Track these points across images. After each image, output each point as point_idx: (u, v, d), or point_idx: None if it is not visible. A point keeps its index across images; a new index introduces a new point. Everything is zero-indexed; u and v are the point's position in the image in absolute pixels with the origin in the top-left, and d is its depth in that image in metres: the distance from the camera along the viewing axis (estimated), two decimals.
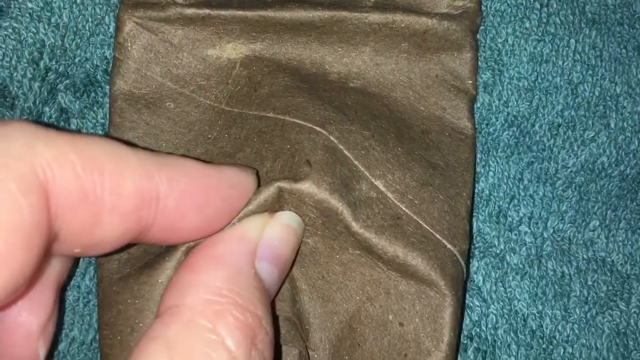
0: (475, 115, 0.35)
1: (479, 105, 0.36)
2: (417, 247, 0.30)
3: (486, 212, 0.35)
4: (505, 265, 0.35)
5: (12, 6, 0.35)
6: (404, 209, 0.31)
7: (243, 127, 0.32)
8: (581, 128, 0.36)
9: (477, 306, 0.35)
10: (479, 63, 0.36)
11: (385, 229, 0.30)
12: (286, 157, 0.30)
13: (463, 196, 0.32)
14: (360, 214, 0.29)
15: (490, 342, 0.35)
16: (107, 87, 0.35)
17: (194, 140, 0.33)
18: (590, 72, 0.36)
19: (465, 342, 0.35)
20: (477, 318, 0.35)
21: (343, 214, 0.29)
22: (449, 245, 0.31)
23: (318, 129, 0.31)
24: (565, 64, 0.36)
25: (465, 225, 0.32)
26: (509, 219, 0.35)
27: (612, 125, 0.36)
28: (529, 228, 0.35)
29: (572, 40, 0.36)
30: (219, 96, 0.33)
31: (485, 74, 0.36)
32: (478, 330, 0.35)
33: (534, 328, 0.35)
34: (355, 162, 0.30)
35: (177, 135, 0.33)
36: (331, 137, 0.30)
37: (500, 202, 0.36)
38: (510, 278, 0.35)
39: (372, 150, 0.31)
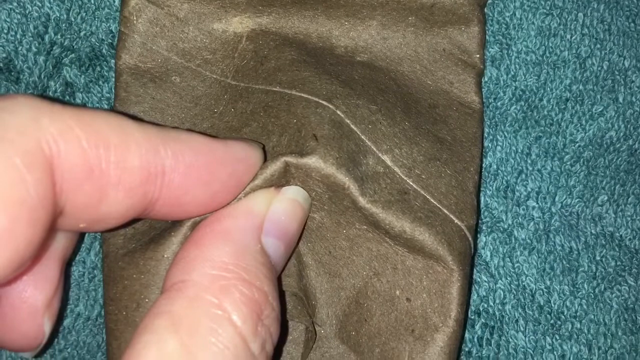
0: (483, 90, 0.35)
1: (486, 79, 0.36)
2: (425, 222, 0.30)
3: (494, 187, 0.35)
4: (513, 241, 0.35)
5: None
6: (411, 183, 0.30)
7: (249, 102, 0.32)
8: (589, 102, 0.36)
9: (485, 281, 0.35)
10: (487, 37, 0.36)
11: (393, 204, 0.29)
12: (292, 131, 0.30)
13: (471, 171, 0.32)
14: (367, 188, 0.29)
15: (497, 318, 0.35)
16: (113, 61, 0.35)
17: (200, 114, 0.33)
18: (598, 46, 0.36)
19: (472, 317, 0.35)
20: (484, 293, 0.35)
21: (350, 189, 0.29)
22: (456, 220, 0.30)
23: (325, 103, 0.30)
24: (574, 37, 0.36)
25: (473, 200, 0.32)
26: (517, 193, 0.35)
27: (621, 100, 0.36)
28: (537, 203, 0.35)
29: (580, 14, 0.36)
30: (225, 70, 0.33)
31: (492, 48, 0.36)
32: (486, 305, 0.35)
33: (542, 303, 0.35)
34: (362, 137, 0.30)
35: (183, 109, 0.33)
36: (338, 112, 0.30)
37: (508, 177, 0.35)
38: (518, 253, 0.35)
39: (379, 124, 0.31)
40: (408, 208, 0.30)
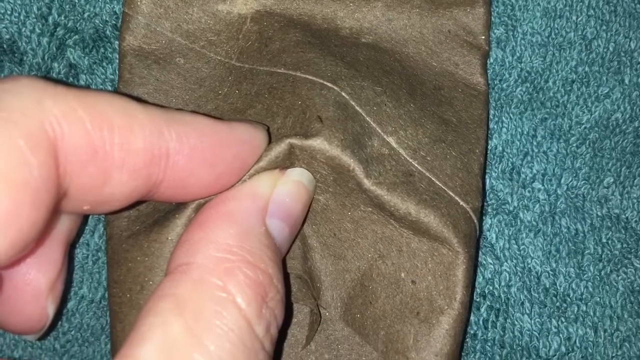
0: (488, 71, 0.35)
1: (491, 61, 0.36)
2: (430, 204, 0.29)
3: (499, 169, 0.35)
4: (519, 223, 0.35)
5: None
6: (416, 165, 0.30)
7: (254, 83, 0.32)
8: (595, 84, 0.36)
9: (490, 264, 0.35)
10: (492, 18, 0.36)
11: (397, 186, 0.29)
12: (297, 113, 0.30)
13: (476, 153, 0.32)
14: (372, 170, 0.29)
15: (503, 300, 0.35)
16: (117, 42, 0.35)
17: (204, 96, 0.33)
18: (604, 27, 0.36)
19: (478, 300, 0.35)
20: (490, 276, 0.35)
21: (355, 171, 0.29)
22: (461, 202, 0.30)
23: (329, 85, 0.30)
24: (579, 19, 0.36)
25: (478, 182, 0.31)
26: (523, 175, 0.35)
27: (627, 81, 0.36)
28: (543, 185, 0.35)
29: None
30: (229, 52, 0.33)
31: (498, 29, 0.36)
32: (491, 288, 0.35)
33: (548, 286, 0.35)
34: (367, 119, 0.30)
35: (187, 91, 0.33)
36: (343, 93, 0.30)
37: (514, 159, 0.35)
38: (524, 235, 0.35)
39: (384, 106, 0.31)
40: (413, 190, 0.30)
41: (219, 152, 0.27)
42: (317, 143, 0.29)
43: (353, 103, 0.30)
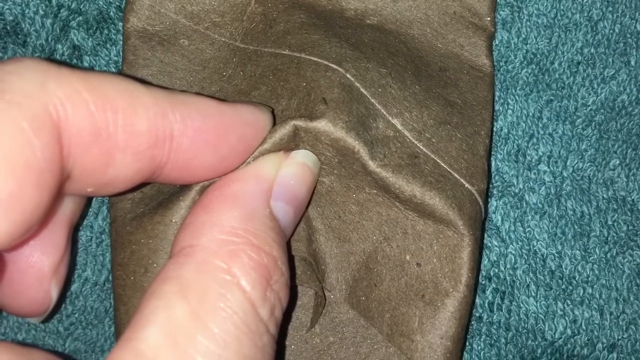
0: (494, 53, 0.35)
1: (497, 42, 0.36)
2: (435, 187, 0.29)
3: (505, 151, 0.35)
4: (524, 205, 0.35)
5: None
6: (421, 147, 0.30)
7: (258, 65, 0.32)
8: (601, 65, 0.35)
9: (496, 246, 0.35)
10: (498, 0, 0.35)
11: (403, 168, 0.29)
12: (302, 95, 0.30)
13: (481, 134, 0.32)
14: (377, 152, 0.29)
15: (508, 283, 0.35)
16: (120, 24, 0.35)
17: (209, 77, 0.33)
18: (610, 8, 0.36)
19: (483, 282, 0.35)
20: (495, 258, 0.35)
21: (360, 153, 0.29)
22: (467, 185, 0.30)
23: (334, 66, 0.30)
24: (585, 0, 0.36)
25: (484, 164, 0.31)
26: (528, 157, 0.35)
27: (633, 63, 0.35)
28: (549, 167, 0.35)
29: None
30: (233, 33, 0.33)
31: (503, 11, 0.36)
32: (496, 270, 0.35)
33: (553, 268, 0.35)
34: (372, 100, 0.30)
35: (191, 72, 0.33)
36: (347, 75, 0.30)
37: (519, 141, 0.35)
38: (529, 218, 0.35)
39: (389, 88, 0.31)
40: (418, 172, 0.29)
41: (223, 133, 0.27)
42: (322, 125, 0.28)
43: (358, 85, 0.30)
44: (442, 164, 0.30)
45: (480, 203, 0.31)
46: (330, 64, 0.30)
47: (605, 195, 0.35)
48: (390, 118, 0.30)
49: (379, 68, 0.31)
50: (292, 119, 0.29)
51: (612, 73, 0.35)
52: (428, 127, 0.31)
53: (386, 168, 0.29)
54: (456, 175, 0.30)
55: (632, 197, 0.35)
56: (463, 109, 0.32)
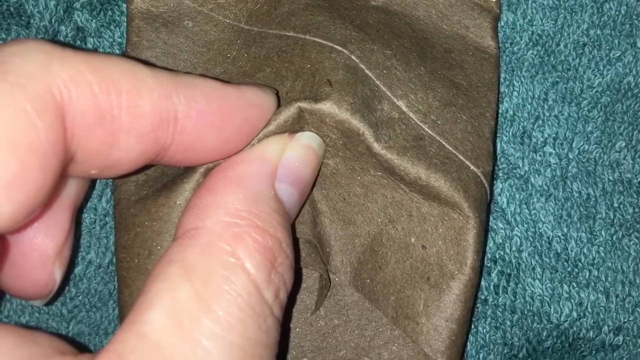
0: (499, 34, 0.35)
1: (502, 24, 0.35)
2: (440, 169, 0.29)
3: (510, 133, 0.35)
4: (530, 187, 0.35)
5: None
6: (426, 129, 0.30)
7: (263, 46, 0.32)
8: (607, 47, 0.35)
9: (501, 229, 0.35)
10: None
11: (408, 150, 0.29)
12: (307, 76, 0.30)
13: (487, 116, 0.32)
14: (382, 134, 0.29)
15: (514, 265, 0.34)
16: (124, 5, 0.35)
17: (213, 59, 0.33)
18: None
19: (489, 265, 0.34)
20: (501, 241, 0.35)
21: (364, 135, 0.29)
22: (472, 167, 0.30)
23: (339, 48, 0.30)
24: None
25: (489, 146, 0.31)
26: (534, 139, 0.35)
27: (639, 44, 0.35)
28: (554, 149, 0.35)
29: None
30: (238, 15, 0.33)
31: None
32: (502, 253, 0.35)
33: (559, 251, 0.34)
34: (377, 82, 0.30)
35: (195, 54, 0.33)
36: (352, 57, 0.30)
37: (525, 123, 0.35)
38: (535, 200, 0.35)
39: (394, 69, 0.31)
40: (423, 154, 0.29)
41: (228, 115, 0.27)
42: (327, 107, 0.28)
43: (363, 66, 0.30)
44: (448, 146, 0.30)
45: (486, 185, 0.30)
46: (335, 46, 0.30)
47: (611, 178, 0.35)
48: (395, 100, 0.30)
49: (384, 50, 0.31)
50: (296, 101, 0.29)
51: (618, 55, 0.35)
52: (433, 109, 0.31)
53: (391, 150, 0.29)
54: (461, 157, 0.30)
55: (638, 180, 0.35)
56: (468, 91, 0.32)
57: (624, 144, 0.35)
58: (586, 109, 0.35)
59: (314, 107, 0.28)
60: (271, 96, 0.29)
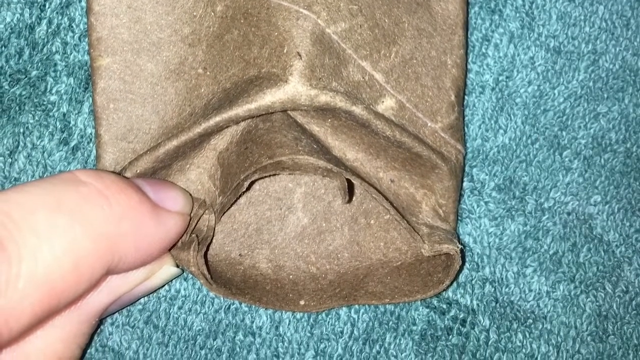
0: (496, 66, 0.34)
1: (501, 55, 0.34)
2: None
3: (492, 173, 0.34)
4: (501, 231, 0.35)
5: None
6: (389, 89, 0.31)
7: (228, 6, 0.31)
8: (596, 102, 0.35)
9: (467, 268, 0.35)
10: (509, 10, 0.35)
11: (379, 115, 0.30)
12: (274, 44, 0.30)
13: (447, 65, 0.32)
14: (357, 100, 0.30)
15: (469, 310, 0.34)
16: None
17: (179, 19, 0.32)
18: (613, 42, 0.35)
19: (444, 307, 0.33)
20: (464, 280, 0.34)
21: (339, 104, 0.29)
22: (430, 123, 0.31)
23: (305, 12, 0.30)
24: (592, 30, 0.35)
25: (450, 96, 0.32)
26: (514, 182, 0.34)
27: (626, 101, 0.35)
28: (532, 196, 0.34)
29: (601, 7, 0.35)
30: None
31: (513, 23, 0.35)
32: (463, 292, 0.34)
33: (516, 300, 0.34)
34: (343, 45, 0.30)
35: (161, 15, 0.32)
36: (319, 21, 0.30)
37: (509, 164, 0.34)
38: (504, 245, 0.34)
39: (359, 29, 0.31)
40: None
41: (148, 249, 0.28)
42: (294, 90, 0.29)
43: (329, 31, 0.30)
44: (408, 105, 0.31)
45: (446, 137, 0.32)
46: (301, 10, 0.30)
47: (582, 232, 0.34)
48: (360, 61, 0.31)
49: (350, 5, 0.31)
50: (264, 93, 0.29)
51: (605, 110, 0.35)
52: (396, 65, 0.31)
53: (368, 110, 0.30)
54: (420, 115, 0.31)
55: (609, 237, 0.35)
56: (432, 36, 0.32)
57: (599, 199, 0.35)
58: (567, 159, 0.35)
59: (284, 97, 0.29)
60: (185, 218, 0.30)
